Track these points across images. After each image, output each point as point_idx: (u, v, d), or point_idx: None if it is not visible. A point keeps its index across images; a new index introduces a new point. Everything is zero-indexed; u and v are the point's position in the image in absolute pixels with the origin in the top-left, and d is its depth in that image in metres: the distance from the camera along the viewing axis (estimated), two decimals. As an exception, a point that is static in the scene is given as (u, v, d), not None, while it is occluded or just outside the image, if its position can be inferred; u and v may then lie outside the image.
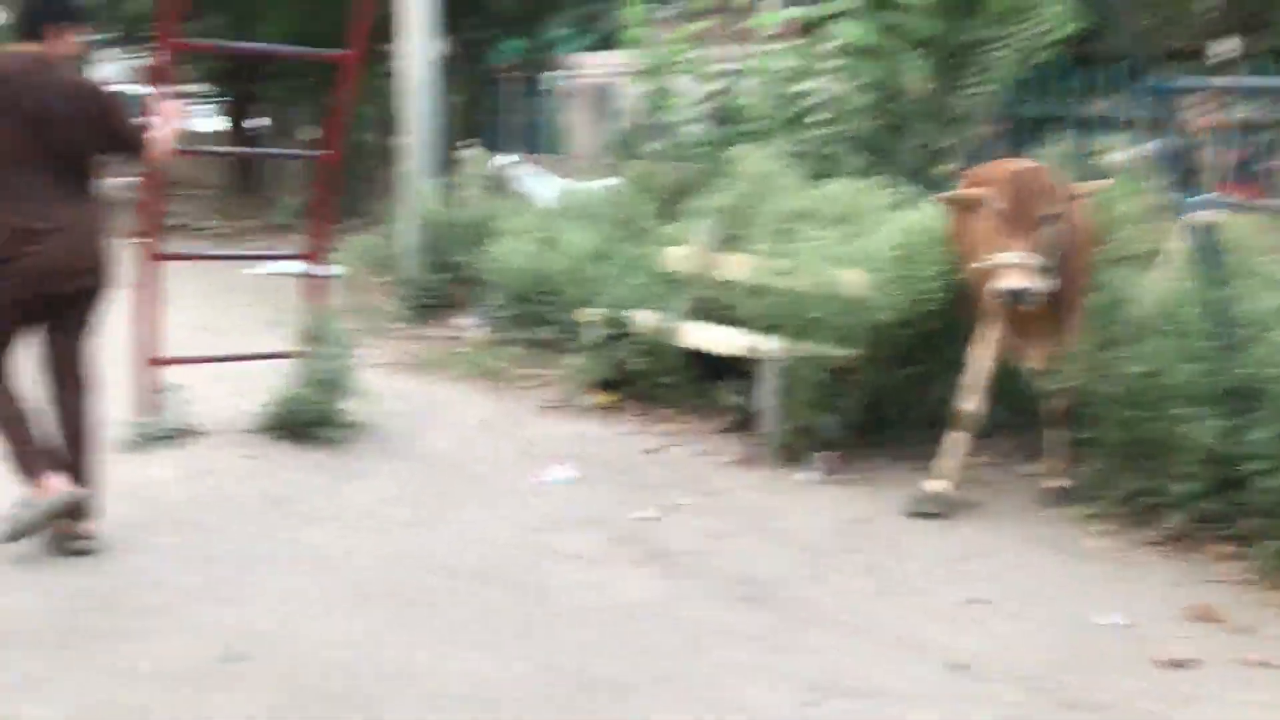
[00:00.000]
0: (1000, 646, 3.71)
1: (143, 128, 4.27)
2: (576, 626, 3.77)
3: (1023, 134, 8.45)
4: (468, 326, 8.34)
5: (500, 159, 9.81)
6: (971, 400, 4.94)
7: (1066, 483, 5.04)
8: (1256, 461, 4.30)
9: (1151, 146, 7.87)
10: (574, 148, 12.19)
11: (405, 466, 5.37)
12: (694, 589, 4.10)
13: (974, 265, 4.74)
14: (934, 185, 7.55)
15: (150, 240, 5.36)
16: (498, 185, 9.65)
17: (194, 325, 7.71)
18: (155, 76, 5.11)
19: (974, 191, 4.76)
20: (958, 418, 4.97)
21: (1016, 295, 4.43)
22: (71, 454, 4.20)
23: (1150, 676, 3.55)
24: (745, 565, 4.33)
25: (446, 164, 10.22)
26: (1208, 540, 4.51)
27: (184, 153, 5.21)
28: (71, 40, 4.12)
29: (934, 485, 4.92)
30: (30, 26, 4.06)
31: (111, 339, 7.00)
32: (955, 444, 4.95)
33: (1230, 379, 4.51)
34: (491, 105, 14.15)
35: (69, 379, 4.25)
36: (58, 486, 4.02)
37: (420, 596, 3.96)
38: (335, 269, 6.00)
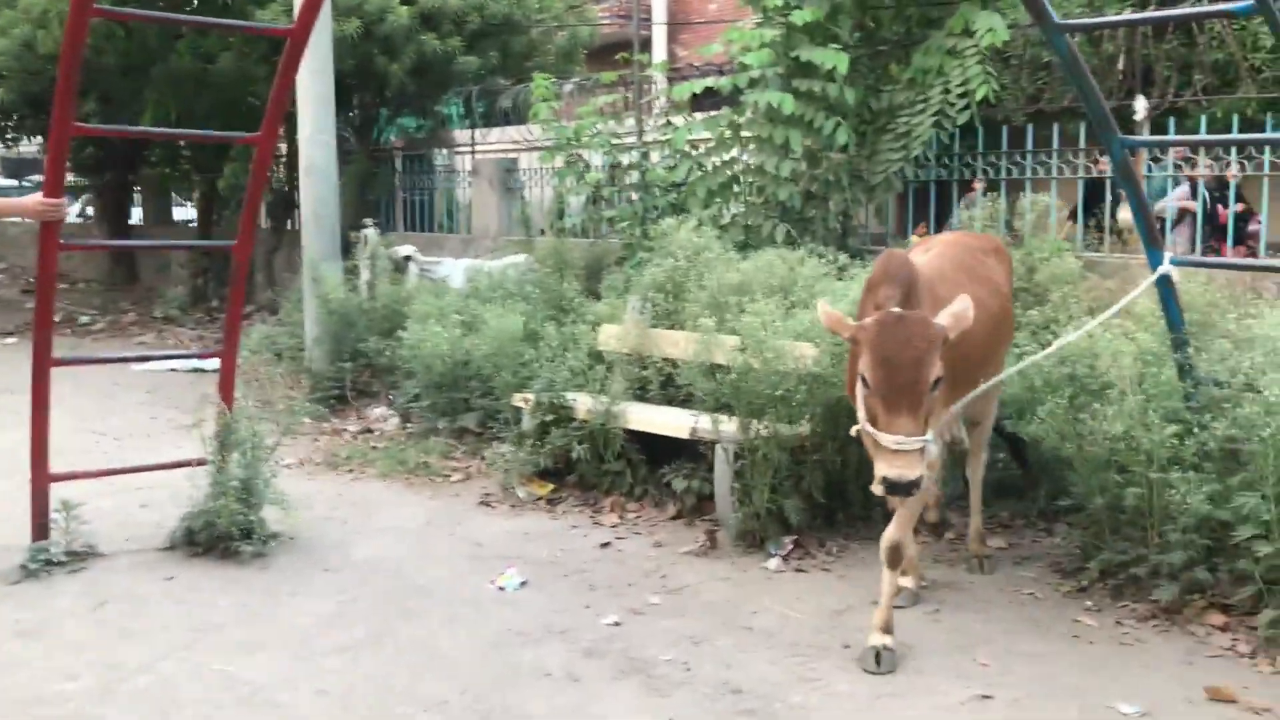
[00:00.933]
0: (1027, 747, 3.44)
1: None
2: (567, 761, 3.38)
3: (944, 195, 8.47)
4: (382, 418, 7.89)
5: (400, 250, 9.41)
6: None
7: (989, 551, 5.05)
8: (1247, 527, 4.16)
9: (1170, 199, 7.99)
10: (475, 225, 11.86)
11: (341, 580, 4.88)
12: (684, 705, 3.73)
13: (855, 426, 3.95)
14: (857, 253, 7.49)
15: (41, 344, 4.82)
16: (399, 272, 9.27)
17: (87, 430, 7.16)
18: (50, 165, 4.62)
19: (848, 333, 3.85)
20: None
21: (896, 488, 3.67)
22: None
23: (1188, 771, 3.32)
24: (732, 672, 3.98)
25: (345, 247, 9.80)
26: (1200, 611, 4.35)
27: (88, 247, 4.73)
28: None
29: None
30: None
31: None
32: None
33: (1212, 441, 4.38)
34: (385, 184, 13.75)
35: None
36: None
37: (383, 737, 3.52)
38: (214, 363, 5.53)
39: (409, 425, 7.60)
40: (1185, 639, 4.22)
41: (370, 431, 7.67)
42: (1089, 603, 4.56)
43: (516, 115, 12.38)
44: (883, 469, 3.66)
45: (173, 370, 9.99)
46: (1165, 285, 4.67)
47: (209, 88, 11.96)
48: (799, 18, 7.31)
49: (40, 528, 4.92)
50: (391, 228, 12.75)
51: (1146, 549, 4.52)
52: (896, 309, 3.78)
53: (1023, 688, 3.83)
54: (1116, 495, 4.55)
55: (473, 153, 12.53)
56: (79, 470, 5.16)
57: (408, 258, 9.26)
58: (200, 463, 5.14)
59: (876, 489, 3.71)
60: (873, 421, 3.74)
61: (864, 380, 3.74)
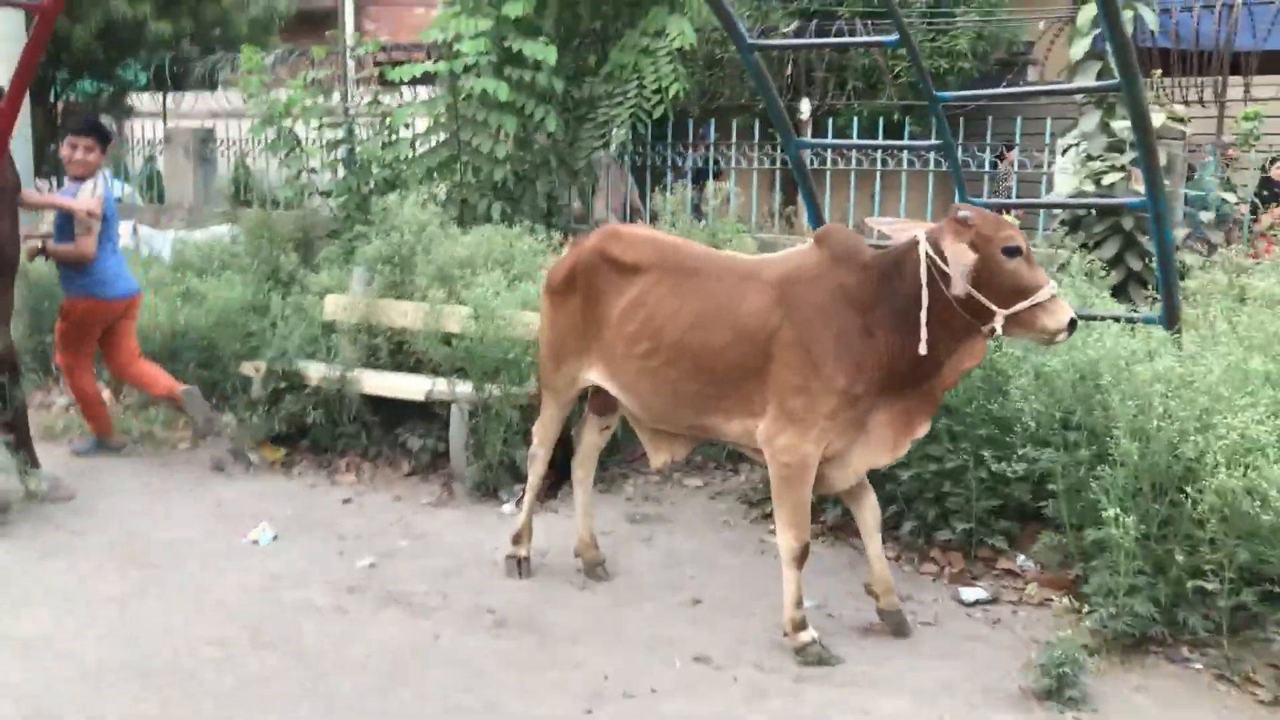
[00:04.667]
0: (730, 637, 4.23)
1: None
2: (353, 676, 3.83)
3: (640, 181, 9.31)
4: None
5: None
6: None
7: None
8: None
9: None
10: (169, 195, 11.58)
11: (90, 542, 5.02)
12: (446, 624, 4.28)
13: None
14: (565, 230, 8.18)
15: None
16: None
17: None
18: None
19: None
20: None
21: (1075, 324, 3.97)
22: None
23: (855, 644, 4.22)
24: (484, 597, 4.55)
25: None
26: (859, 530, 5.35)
27: None
28: None
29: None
30: None
31: None
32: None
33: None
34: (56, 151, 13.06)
35: None
36: None
37: (175, 670, 3.82)
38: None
39: (124, 397, 7.55)
40: (849, 551, 5.20)
41: (81, 404, 7.54)
42: (772, 526, 5.45)
43: (209, 84, 12.16)
44: (1064, 313, 3.88)
45: None
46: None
47: None
48: (510, 10, 7.87)
49: None
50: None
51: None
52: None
53: (723, 592, 4.66)
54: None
55: (163, 119, 12.20)
56: None
57: (134, 228, 9.09)
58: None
59: (1064, 336, 3.92)
60: (1024, 294, 3.85)
61: (1015, 250, 3.86)
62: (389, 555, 5.03)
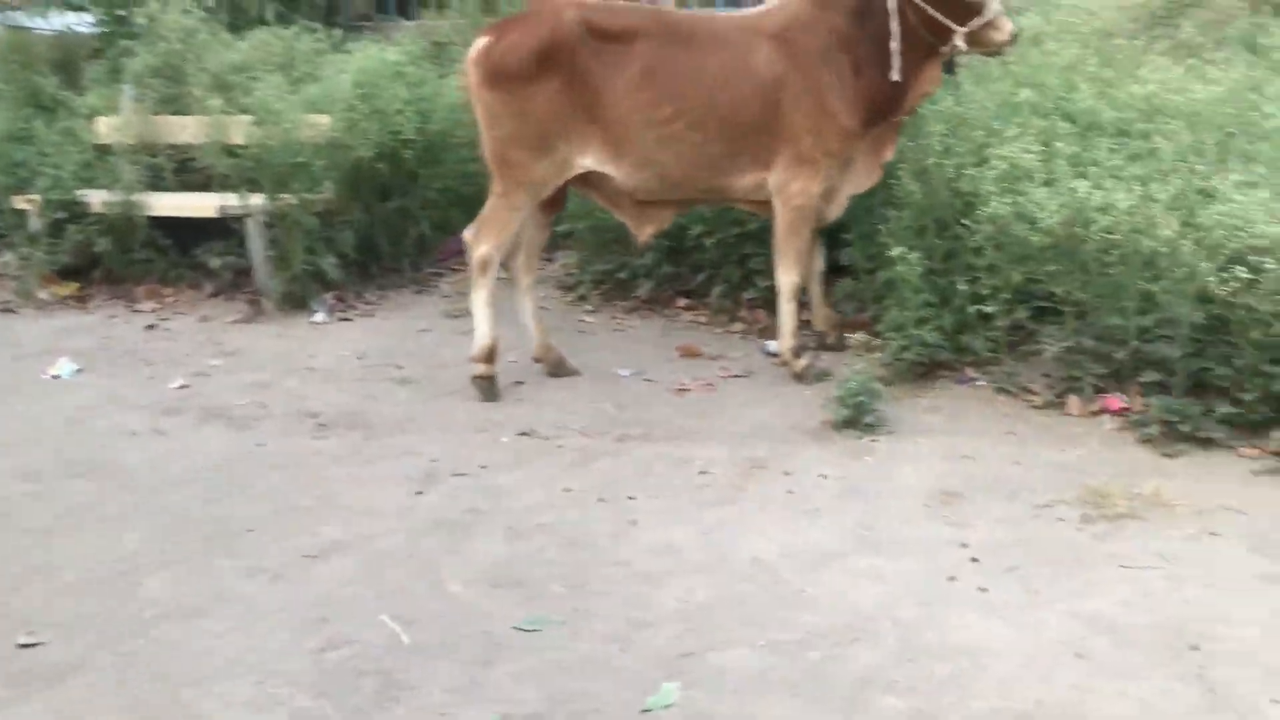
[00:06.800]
0: (555, 411, 4.37)
1: None
2: (180, 491, 3.79)
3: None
4: None
5: None
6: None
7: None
8: (698, 226, 5.30)
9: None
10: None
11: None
12: (269, 433, 4.26)
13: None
14: (348, 29, 7.81)
15: None
16: None
17: None
18: None
19: None
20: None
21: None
22: None
23: (672, 403, 4.42)
24: (304, 404, 4.53)
25: None
26: (669, 298, 5.52)
27: None
28: None
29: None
30: None
31: None
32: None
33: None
34: None
35: None
36: None
37: (-13, 507, 3.72)
38: None
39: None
40: (661, 320, 5.37)
41: None
42: (589, 306, 5.59)
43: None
44: (1009, 27, 4.29)
45: None
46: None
47: None
48: None
49: None
50: None
51: (628, 258, 5.58)
52: None
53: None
54: (600, 219, 5.50)
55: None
56: None
57: None
58: None
59: (1011, 48, 4.39)
60: (976, 11, 4.21)
61: None
62: (202, 375, 4.92)
